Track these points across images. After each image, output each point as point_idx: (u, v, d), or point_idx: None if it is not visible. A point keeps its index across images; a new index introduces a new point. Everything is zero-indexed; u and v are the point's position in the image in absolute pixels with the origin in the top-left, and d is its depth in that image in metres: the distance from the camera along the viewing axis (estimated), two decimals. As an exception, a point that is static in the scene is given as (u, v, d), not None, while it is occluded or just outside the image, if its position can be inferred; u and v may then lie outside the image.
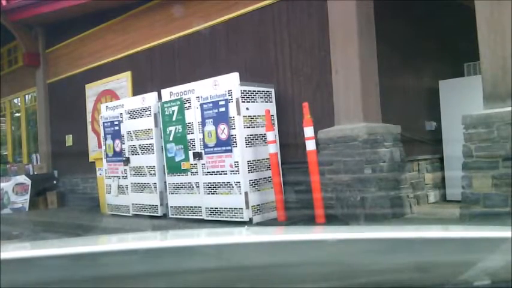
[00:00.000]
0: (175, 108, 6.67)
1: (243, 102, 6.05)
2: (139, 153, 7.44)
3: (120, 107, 7.81)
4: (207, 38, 7.66)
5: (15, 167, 11.38)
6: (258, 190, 6.11)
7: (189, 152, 6.53)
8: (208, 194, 6.32)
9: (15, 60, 12.47)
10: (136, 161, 7.50)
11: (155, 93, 7.31)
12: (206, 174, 6.36)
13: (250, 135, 6.12)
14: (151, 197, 7.28)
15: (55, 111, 11.17)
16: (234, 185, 6.06)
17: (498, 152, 4.29)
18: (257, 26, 7.03)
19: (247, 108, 6.09)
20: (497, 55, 4.46)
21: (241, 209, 5.97)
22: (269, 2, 6.81)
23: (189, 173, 6.57)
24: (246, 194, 5.96)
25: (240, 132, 6.01)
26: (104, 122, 8.06)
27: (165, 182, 6.98)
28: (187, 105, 6.54)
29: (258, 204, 6.07)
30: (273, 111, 6.44)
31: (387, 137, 5.64)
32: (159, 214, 7.15)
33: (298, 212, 5.73)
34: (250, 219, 5.94)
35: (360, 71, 5.61)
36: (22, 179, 10.57)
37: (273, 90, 6.50)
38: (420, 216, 5.64)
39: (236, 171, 6.03)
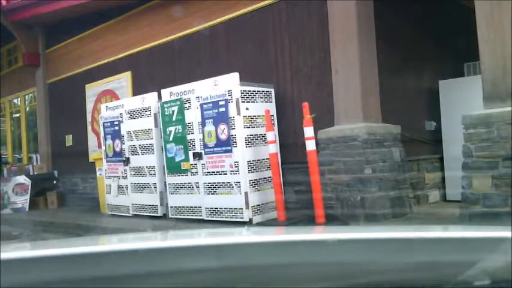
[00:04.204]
0: (175, 109, 6.67)
1: (243, 102, 6.05)
2: (139, 153, 7.44)
3: (120, 107, 7.80)
4: (207, 38, 7.66)
5: (15, 167, 11.38)
6: (258, 190, 6.11)
7: (189, 152, 6.53)
8: (208, 194, 6.32)
9: (15, 60, 12.47)
10: (136, 161, 7.50)
11: (155, 93, 7.31)
12: (206, 175, 6.35)
13: (250, 135, 6.11)
14: (151, 197, 7.28)
15: (55, 111, 11.17)
16: (234, 185, 6.06)
17: (498, 152, 4.29)
18: (257, 26, 7.03)
19: (247, 108, 6.09)
20: (497, 55, 4.46)
21: (241, 209, 5.97)
22: (269, 2, 6.81)
23: (189, 173, 6.57)
24: (246, 194, 5.96)
25: (240, 132, 6.01)
26: (104, 122, 8.06)
27: (165, 182, 6.98)
28: (187, 105, 6.54)
29: (258, 205, 6.07)
30: (273, 111, 6.44)
31: (387, 137, 5.64)
32: (159, 214, 7.15)
33: (298, 212, 5.73)
34: (250, 220, 5.94)
35: (360, 71, 5.61)
36: (22, 179, 10.57)
37: (273, 90, 6.50)
38: (420, 216, 5.64)
39: (236, 171, 6.03)
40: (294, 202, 6.10)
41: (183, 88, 6.73)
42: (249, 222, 5.88)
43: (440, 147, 6.70)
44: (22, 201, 10.37)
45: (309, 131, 5.39)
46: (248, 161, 6.04)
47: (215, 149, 6.21)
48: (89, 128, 10.09)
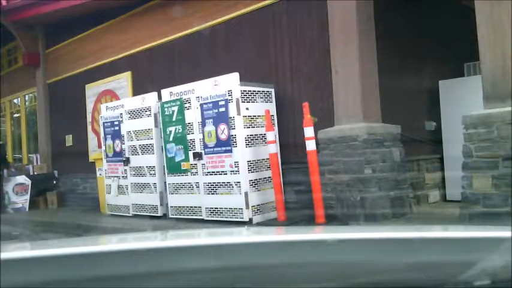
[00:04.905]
0: (175, 109, 6.67)
1: (243, 102, 6.05)
2: (140, 153, 7.44)
3: (120, 107, 7.80)
4: (207, 38, 7.66)
5: (15, 167, 11.38)
6: (258, 190, 6.11)
7: (189, 152, 6.53)
8: (208, 194, 6.32)
9: (15, 60, 12.47)
10: (136, 161, 7.50)
11: (155, 93, 7.31)
12: (206, 175, 6.35)
13: (250, 135, 6.11)
14: (151, 197, 7.28)
15: (55, 111, 11.17)
16: (234, 185, 6.06)
17: (498, 152, 4.29)
18: (257, 26, 7.03)
19: (247, 108, 6.09)
20: (497, 55, 4.46)
21: (241, 209, 5.97)
22: (269, 2, 6.81)
23: (189, 173, 6.57)
24: (246, 194, 5.96)
25: (240, 132, 6.01)
26: (104, 122, 8.06)
27: (165, 182, 6.98)
28: (187, 105, 6.54)
29: (258, 205, 6.07)
30: (273, 111, 6.43)
31: (387, 137, 5.64)
32: (159, 214, 7.15)
33: (298, 212, 5.73)
34: (250, 219, 5.94)
35: (360, 71, 5.61)
36: (22, 179, 10.56)
37: (273, 90, 6.50)
38: (420, 216, 5.64)
39: (236, 171, 6.03)
40: (294, 202, 6.09)
41: (183, 88, 6.73)
42: (249, 222, 5.88)
43: (440, 147, 6.70)
44: (22, 201, 10.37)
45: (309, 131, 5.40)
46: (248, 161, 6.04)
47: (215, 149, 6.21)
48: (89, 128, 10.09)
